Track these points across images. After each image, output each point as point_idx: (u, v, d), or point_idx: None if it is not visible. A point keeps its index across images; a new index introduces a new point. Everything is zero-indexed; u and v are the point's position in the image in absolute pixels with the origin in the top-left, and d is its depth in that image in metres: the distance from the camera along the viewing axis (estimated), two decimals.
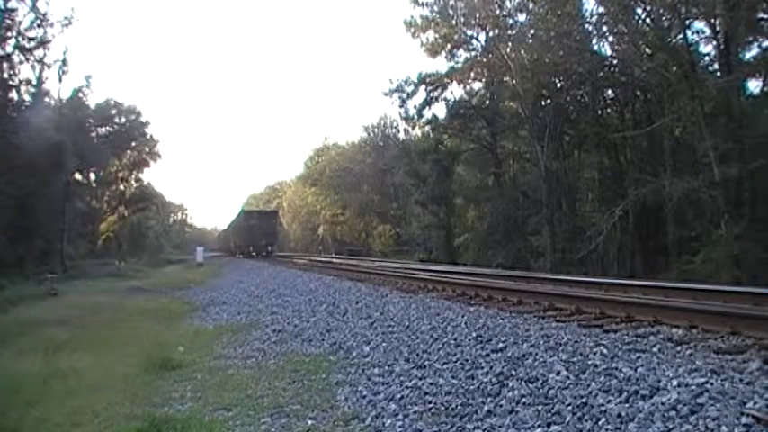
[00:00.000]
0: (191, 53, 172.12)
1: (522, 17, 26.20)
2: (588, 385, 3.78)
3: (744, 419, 2.89)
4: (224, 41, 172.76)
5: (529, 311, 6.71)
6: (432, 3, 28.49)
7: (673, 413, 3.12)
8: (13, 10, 24.35)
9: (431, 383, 4.57)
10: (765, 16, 17.04)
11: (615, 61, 22.01)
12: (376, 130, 53.27)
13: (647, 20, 18.65)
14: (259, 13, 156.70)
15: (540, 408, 3.66)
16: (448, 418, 3.86)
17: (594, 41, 22.95)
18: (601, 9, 21.30)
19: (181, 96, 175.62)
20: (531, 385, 4.06)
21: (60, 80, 30.42)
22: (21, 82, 25.85)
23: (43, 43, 26.01)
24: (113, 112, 46.81)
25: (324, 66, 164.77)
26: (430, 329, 6.34)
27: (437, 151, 31.98)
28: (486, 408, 3.87)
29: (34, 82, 26.98)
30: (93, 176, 44.19)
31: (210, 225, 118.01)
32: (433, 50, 29.58)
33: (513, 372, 4.39)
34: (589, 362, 4.22)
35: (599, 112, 24.60)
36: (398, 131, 50.62)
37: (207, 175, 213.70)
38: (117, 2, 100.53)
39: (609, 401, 3.47)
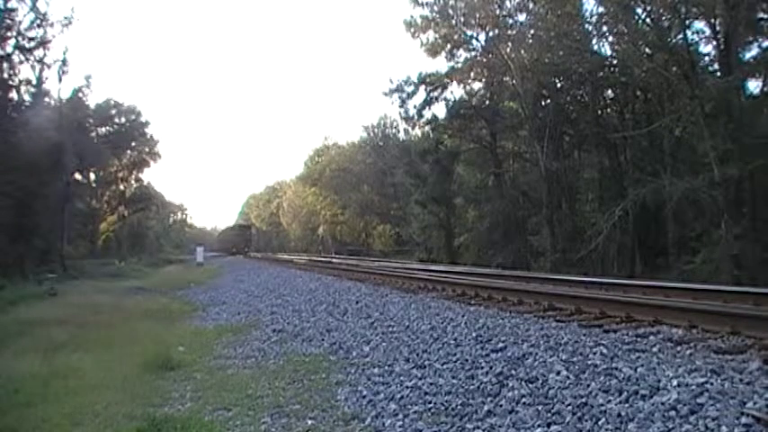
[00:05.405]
0: (190, 53, 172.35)
1: (522, 17, 26.26)
2: (588, 385, 3.78)
3: (744, 419, 2.89)
4: (224, 41, 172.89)
5: (529, 311, 6.70)
6: (432, 3, 28.52)
7: (673, 413, 3.12)
8: (13, 10, 24.30)
9: (431, 383, 4.57)
10: (765, 16, 17.03)
11: (615, 61, 21.99)
12: (376, 130, 53.27)
13: (647, 20, 18.64)
14: (259, 13, 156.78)
15: (539, 408, 3.66)
16: (448, 418, 3.86)
17: (594, 41, 22.97)
18: (601, 9, 21.33)
19: (181, 96, 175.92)
20: (530, 385, 4.06)
21: (60, 80, 30.35)
22: (21, 82, 25.74)
23: (43, 43, 25.96)
24: (113, 112, 46.85)
25: (324, 66, 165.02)
26: (430, 329, 6.33)
27: (437, 151, 31.96)
28: (486, 408, 3.87)
29: (34, 82, 26.91)
30: (93, 176, 44.19)
31: (210, 225, 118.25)
32: (433, 50, 29.58)
33: (513, 372, 4.39)
34: (589, 362, 4.22)
35: (599, 112, 24.57)
36: (398, 131, 50.67)
37: (207, 175, 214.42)
38: (117, 2, 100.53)
39: (609, 401, 3.47)
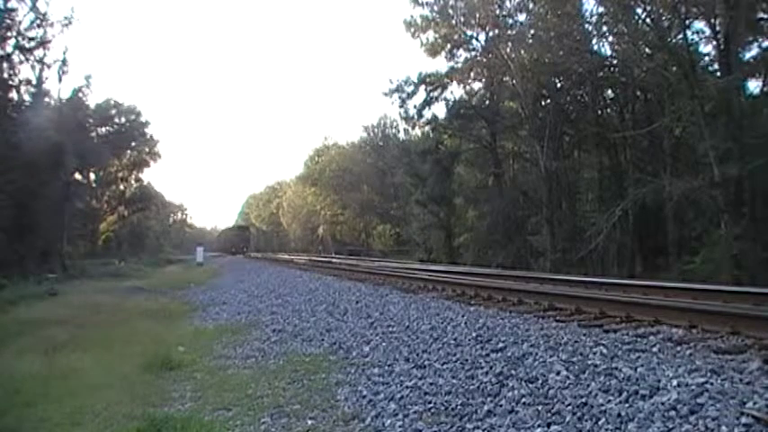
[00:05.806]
0: (190, 53, 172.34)
1: (522, 17, 26.29)
2: (588, 385, 3.78)
3: (744, 419, 2.89)
4: (224, 41, 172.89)
5: (529, 311, 6.70)
6: (432, 3, 28.57)
7: (673, 413, 3.12)
8: (13, 10, 24.34)
9: (431, 383, 4.57)
10: (765, 16, 17.04)
11: (615, 61, 22.01)
12: (376, 130, 53.35)
13: (647, 20, 18.63)
14: (259, 13, 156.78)
15: (539, 408, 3.66)
16: (448, 418, 3.86)
17: (594, 41, 23.00)
18: (601, 9, 21.35)
19: (181, 96, 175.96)
20: (530, 385, 4.05)
21: (60, 80, 30.46)
22: (21, 82, 25.77)
23: (43, 43, 25.99)
24: (113, 112, 46.88)
25: (324, 66, 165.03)
26: (430, 329, 6.33)
27: (437, 151, 31.98)
28: (485, 408, 3.87)
29: (34, 82, 26.95)
30: (93, 176, 44.23)
31: (210, 225, 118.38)
32: (433, 50, 29.59)
33: (513, 372, 4.39)
34: (589, 362, 4.22)
35: (599, 112, 24.59)
36: (398, 131, 50.73)
37: (207, 175, 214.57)
38: (117, 2, 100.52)
39: (609, 401, 3.47)
